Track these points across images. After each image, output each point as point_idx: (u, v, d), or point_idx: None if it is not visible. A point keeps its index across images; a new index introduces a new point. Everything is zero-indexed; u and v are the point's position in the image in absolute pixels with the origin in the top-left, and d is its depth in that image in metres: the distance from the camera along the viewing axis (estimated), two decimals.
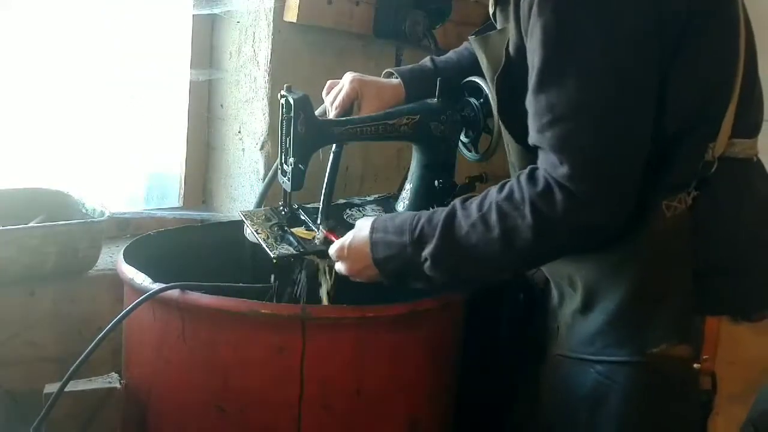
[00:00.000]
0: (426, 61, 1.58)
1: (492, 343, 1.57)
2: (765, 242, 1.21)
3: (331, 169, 1.52)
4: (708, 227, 1.15)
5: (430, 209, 1.25)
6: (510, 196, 1.13)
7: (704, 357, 1.16)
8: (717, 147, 1.15)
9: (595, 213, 1.09)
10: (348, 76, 1.49)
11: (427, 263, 1.20)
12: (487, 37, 1.30)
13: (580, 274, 1.24)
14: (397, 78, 1.53)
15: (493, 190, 1.17)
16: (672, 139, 1.14)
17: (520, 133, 1.19)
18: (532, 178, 1.12)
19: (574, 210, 1.08)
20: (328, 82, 1.53)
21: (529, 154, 1.18)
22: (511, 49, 1.21)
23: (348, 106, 1.49)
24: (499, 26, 1.29)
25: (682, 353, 1.16)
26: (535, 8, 1.09)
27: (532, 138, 1.13)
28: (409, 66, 1.60)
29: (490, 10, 1.32)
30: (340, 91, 1.48)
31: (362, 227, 1.30)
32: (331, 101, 1.49)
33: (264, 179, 1.97)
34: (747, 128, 1.20)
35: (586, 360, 1.24)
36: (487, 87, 1.41)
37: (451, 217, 1.19)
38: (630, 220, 1.13)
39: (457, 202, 1.20)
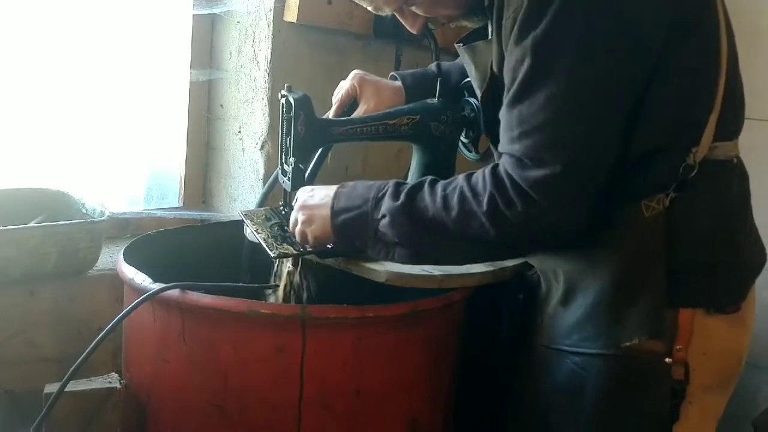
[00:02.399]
0: (432, 66, 1.61)
1: (492, 342, 1.57)
2: (737, 239, 1.23)
3: (314, 165, 1.53)
4: (684, 227, 1.17)
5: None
6: (474, 185, 1.17)
7: (678, 347, 1.19)
8: (699, 152, 1.16)
9: (548, 218, 1.12)
10: (351, 74, 1.54)
11: (384, 219, 1.23)
12: (474, 46, 1.33)
13: (562, 268, 1.28)
14: (398, 81, 1.55)
15: (462, 176, 1.21)
16: (654, 145, 1.15)
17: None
18: (495, 172, 1.15)
19: (529, 212, 1.12)
20: (340, 83, 1.58)
21: None
22: (494, 65, 1.23)
23: (347, 103, 1.54)
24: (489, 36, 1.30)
25: (654, 348, 1.19)
26: (516, 30, 1.11)
27: (502, 147, 1.16)
28: (414, 70, 1.62)
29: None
30: (341, 88, 1.53)
31: (331, 186, 1.33)
32: (334, 98, 1.53)
33: (264, 179, 1.98)
34: (729, 131, 1.21)
35: (564, 351, 1.27)
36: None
37: (418, 188, 1.22)
38: (610, 218, 1.16)
39: (426, 179, 1.24)
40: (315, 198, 1.32)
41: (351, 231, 1.28)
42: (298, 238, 1.36)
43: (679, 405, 1.22)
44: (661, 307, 1.18)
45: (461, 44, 1.36)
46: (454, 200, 1.17)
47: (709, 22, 1.17)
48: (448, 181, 1.22)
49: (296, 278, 1.43)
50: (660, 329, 1.18)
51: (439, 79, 1.51)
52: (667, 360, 1.19)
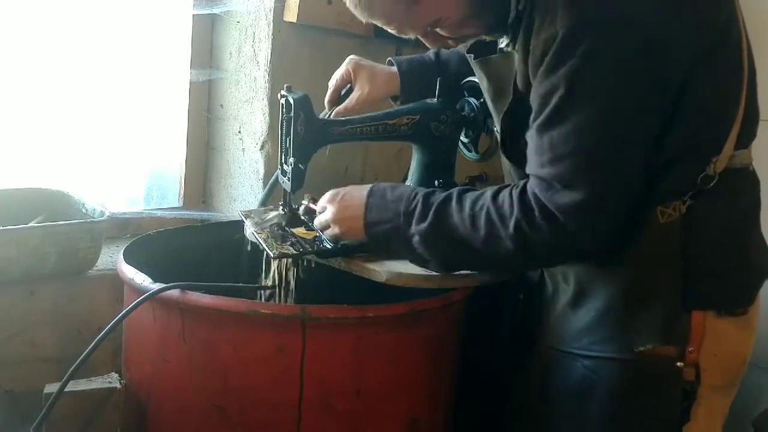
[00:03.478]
0: (430, 52, 1.61)
1: (492, 342, 1.57)
2: (749, 244, 1.25)
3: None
4: (699, 233, 1.18)
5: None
6: (501, 206, 1.19)
7: (690, 349, 1.20)
8: (720, 162, 1.17)
9: (575, 241, 1.14)
10: (347, 60, 1.57)
11: (416, 239, 1.26)
12: (488, 60, 1.33)
13: (573, 270, 1.28)
14: (395, 67, 1.56)
15: (489, 192, 1.22)
16: (674, 155, 1.16)
17: (523, 162, 1.23)
18: (523, 196, 1.16)
19: (555, 238, 1.14)
20: (337, 71, 1.60)
21: None
22: (520, 85, 1.23)
23: (341, 87, 1.57)
24: (506, 50, 1.30)
25: (666, 353, 1.20)
26: (549, 60, 1.12)
27: (531, 170, 1.18)
28: (411, 56, 1.63)
29: (504, 40, 1.32)
30: (336, 74, 1.56)
31: (360, 187, 1.36)
32: (330, 83, 1.56)
33: (264, 179, 1.98)
34: (746, 140, 1.22)
35: (574, 354, 1.27)
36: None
37: (447, 203, 1.24)
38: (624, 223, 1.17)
39: (454, 191, 1.26)
40: (348, 208, 1.34)
41: (386, 242, 1.32)
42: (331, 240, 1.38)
43: (690, 406, 1.22)
44: (675, 313, 1.18)
45: (472, 56, 1.36)
46: (482, 222, 1.19)
47: (733, 39, 1.17)
48: (475, 196, 1.23)
49: (287, 275, 1.44)
50: (673, 334, 1.19)
51: (439, 79, 1.51)
52: (678, 364, 1.19)
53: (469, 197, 1.23)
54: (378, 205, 1.31)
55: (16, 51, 1.78)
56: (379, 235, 1.31)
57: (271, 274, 1.49)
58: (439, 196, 1.26)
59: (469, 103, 1.53)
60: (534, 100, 1.17)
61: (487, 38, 1.33)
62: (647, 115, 1.13)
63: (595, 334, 1.24)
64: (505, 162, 1.38)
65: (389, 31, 1.29)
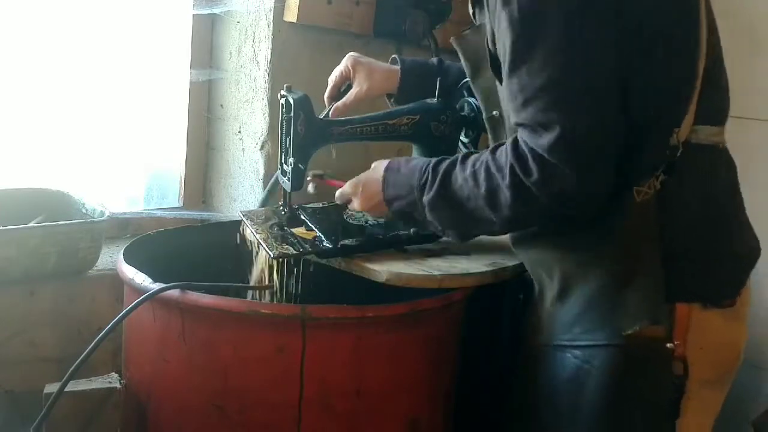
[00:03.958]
0: (433, 59, 1.63)
1: (492, 342, 1.57)
2: (729, 228, 1.25)
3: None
4: (675, 211, 1.19)
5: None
6: (498, 159, 1.19)
7: (676, 342, 1.20)
8: (681, 132, 1.18)
9: (567, 182, 1.12)
10: (346, 56, 1.58)
11: (426, 209, 1.28)
12: (465, 35, 1.36)
13: (557, 263, 1.28)
14: (397, 65, 1.57)
15: (489, 150, 1.23)
16: (637, 127, 1.17)
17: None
18: (515, 144, 1.17)
19: (547, 178, 1.13)
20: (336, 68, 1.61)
21: None
22: (489, 42, 1.25)
23: (340, 84, 1.58)
24: (477, 24, 1.33)
25: (655, 334, 1.19)
26: (499, 1, 1.14)
27: (512, 119, 1.18)
28: (415, 58, 1.64)
29: (470, 11, 1.37)
30: (335, 70, 1.58)
31: (377, 167, 1.38)
32: (329, 79, 1.58)
33: (264, 179, 1.98)
34: (711, 116, 1.23)
35: (565, 346, 1.27)
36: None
37: (451, 168, 1.26)
38: (603, 206, 1.18)
39: (459, 155, 1.27)
40: (371, 198, 1.38)
41: (406, 216, 1.34)
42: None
43: (680, 400, 1.22)
44: (660, 293, 1.19)
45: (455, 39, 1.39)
46: (482, 176, 1.20)
47: (688, 3, 1.20)
48: (477, 156, 1.24)
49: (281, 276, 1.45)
50: (660, 314, 1.19)
51: (438, 79, 1.51)
52: (668, 345, 1.19)
53: (472, 158, 1.24)
54: (393, 181, 1.34)
55: (16, 51, 1.78)
56: (401, 211, 1.34)
57: (256, 273, 1.50)
58: (446, 163, 1.27)
59: (469, 103, 1.53)
60: (500, 49, 1.18)
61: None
62: (607, 45, 1.13)
63: (584, 324, 1.25)
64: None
65: None
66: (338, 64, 1.62)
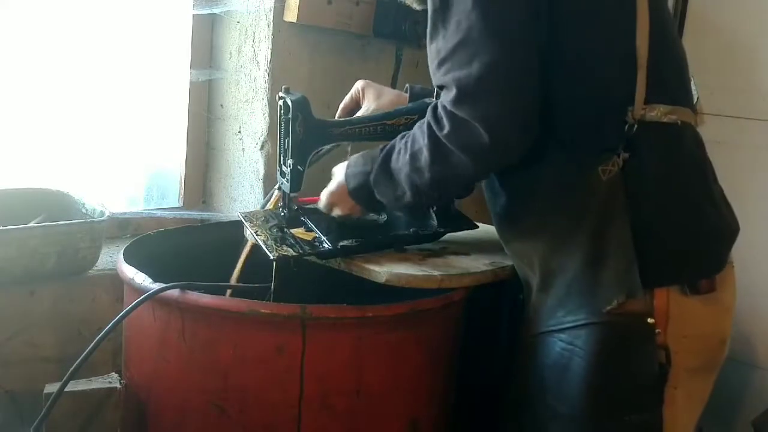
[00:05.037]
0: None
1: (492, 343, 1.57)
2: (697, 203, 1.26)
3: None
4: (639, 188, 1.21)
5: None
6: (420, 124, 1.27)
7: (657, 331, 1.21)
8: (636, 111, 1.21)
9: (475, 133, 1.17)
10: (358, 81, 1.61)
11: (374, 189, 1.35)
12: None
13: (536, 254, 1.30)
14: (407, 92, 1.60)
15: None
16: (590, 105, 1.22)
17: None
18: (434, 107, 1.24)
19: (456, 129, 1.19)
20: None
21: None
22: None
23: (350, 107, 1.59)
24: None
25: (634, 308, 1.21)
26: None
27: (433, 81, 1.24)
28: (425, 87, 1.64)
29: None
30: (347, 94, 1.60)
31: (338, 169, 1.44)
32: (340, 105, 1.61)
33: (264, 179, 1.98)
34: (665, 95, 1.24)
35: (551, 332, 1.28)
36: None
37: (392, 145, 1.33)
38: (572, 189, 1.23)
39: (406, 132, 1.33)
40: (336, 194, 1.44)
41: (364, 193, 1.38)
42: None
43: (663, 388, 1.22)
44: (633, 268, 1.20)
45: None
46: (409, 142, 1.28)
47: None
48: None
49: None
50: (634, 288, 1.20)
51: None
52: (649, 320, 1.20)
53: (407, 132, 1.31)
54: (352, 174, 1.39)
55: (16, 51, 1.78)
56: (364, 200, 1.39)
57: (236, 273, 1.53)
58: (391, 141, 1.34)
59: None
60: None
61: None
62: (513, 6, 1.17)
63: (566, 306, 1.26)
64: None
65: None
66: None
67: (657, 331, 1.21)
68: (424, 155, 1.24)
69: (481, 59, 1.15)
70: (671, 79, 1.28)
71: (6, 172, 1.83)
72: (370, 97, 1.57)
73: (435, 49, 1.21)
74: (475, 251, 1.50)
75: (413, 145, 1.26)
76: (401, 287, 1.35)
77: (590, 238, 1.22)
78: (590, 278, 1.23)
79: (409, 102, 1.57)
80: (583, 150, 1.22)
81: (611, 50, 1.23)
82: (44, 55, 1.81)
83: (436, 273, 1.36)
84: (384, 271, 1.35)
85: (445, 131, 1.19)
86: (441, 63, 1.19)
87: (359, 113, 1.55)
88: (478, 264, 1.44)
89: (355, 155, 1.41)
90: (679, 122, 1.25)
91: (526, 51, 1.17)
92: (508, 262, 1.44)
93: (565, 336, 1.26)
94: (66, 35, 1.83)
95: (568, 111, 1.23)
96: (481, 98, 1.16)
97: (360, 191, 1.38)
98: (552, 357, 1.27)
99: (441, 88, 1.21)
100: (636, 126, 1.20)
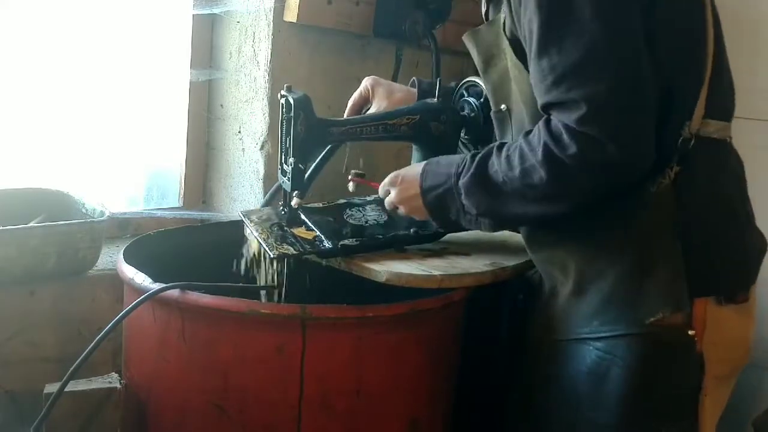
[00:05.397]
0: (452, 83, 1.62)
1: (492, 342, 1.57)
2: (739, 222, 1.27)
3: (317, 165, 1.56)
4: (689, 202, 1.20)
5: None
6: (531, 140, 1.19)
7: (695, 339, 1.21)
8: (693, 125, 1.20)
9: (607, 151, 1.12)
10: (366, 78, 1.59)
11: (462, 194, 1.28)
12: (477, 30, 1.36)
13: (572, 258, 1.28)
14: (415, 87, 1.58)
15: (522, 135, 1.23)
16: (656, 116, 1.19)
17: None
18: (548, 122, 1.17)
19: (586, 151, 1.13)
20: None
21: None
22: (508, 31, 1.27)
23: (359, 103, 1.58)
24: (492, 17, 1.35)
25: (677, 321, 1.20)
26: None
27: (541, 101, 1.18)
28: (432, 81, 1.63)
29: (482, 10, 1.39)
30: (356, 92, 1.58)
31: (419, 163, 1.39)
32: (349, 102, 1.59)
33: (264, 179, 1.98)
34: (719, 111, 1.24)
35: (584, 339, 1.27)
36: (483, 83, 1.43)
37: (488, 154, 1.27)
38: (620, 198, 1.19)
39: (495, 144, 1.27)
40: (408, 189, 1.38)
41: (442, 207, 1.33)
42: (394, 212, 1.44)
43: (699, 396, 1.23)
44: (681, 280, 1.19)
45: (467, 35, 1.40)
46: (516, 158, 1.20)
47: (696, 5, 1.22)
48: (512, 142, 1.25)
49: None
50: (681, 302, 1.19)
51: (438, 79, 1.51)
52: (690, 332, 1.20)
53: (507, 144, 1.25)
54: (432, 172, 1.34)
55: (16, 51, 1.78)
56: (435, 202, 1.33)
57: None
58: (483, 150, 1.28)
59: (469, 103, 1.53)
60: (526, 34, 1.19)
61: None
62: (630, 15, 1.14)
63: (604, 315, 1.24)
64: (523, 111, 1.36)
65: None
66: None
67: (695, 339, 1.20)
68: (540, 174, 1.17)
69: (610, 74, 1.11)
70: (724, 95, 1.27)
71: (6, 172, 1.83)
72: (380, 96, 1.56)
73: (548, 65, 1.15)
74: (475, 251, 1.50)
75: (522, 160, 1.19)
76: (401, 287, 1.35)
77: (637, 247, 1.21)
78: (633, 288, 1.22)
79: (418, 98, 1.57)
80: None
81: (681, 65, 1.20)
82: (44, 55, 1.81)
83: (436, 273, 1.36)
84: (384, 270, 1.35)
85: (571, 151, 1.13)
86: (559, 80, 1.14)
87: (371, 111, 1.55)
88: (478, 264, 1.44)
89: (436, 158, 1.37)
90: (728, 139, 1.26)
91: (646, 62, 1.15)
92: (509, 263, 1.44)
93: (602, 345, 1.25)
94: (66, 35, 1.83)
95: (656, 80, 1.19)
96: (613, 115, 1.12)
97: (435, 191, 1.33)
98: (586, 365, 1.27)
99: (552, 106, 1.16)
100: (693, 141, 1.19)
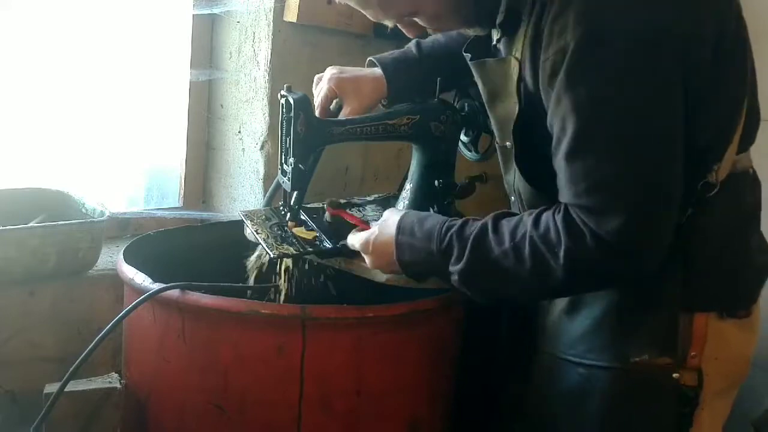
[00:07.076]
0: (411, 45, 1.54)
1: (492, 343, 1.57)
2: (751, 246, 1.23)
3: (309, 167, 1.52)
4: (701, 241, 1.16)
5: (457, 217, 1.24)
6: (546, 235, 1.11)
7: (692, 354, 1.18)
8: (721, 169, 1.15)
9: (634, 260, 1.09)
10: (327, 74, 1.48)
11: (455, 278, 1.19)
12: (484, 63, 1.29)
13: None
14: (378, 68, 1.51)
15: (528, 220, 1.14)
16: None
17: (534, 177, 1.21)
18: (570, 223, 1.09)
19: (609, 263, 1.09)
20: (316, 77, 1.53)
21: (540, 192, 1.21)
22: (523, 99, 1.20)
23: (328, 106, 1.49)
24: (503, 54, 1.26)
25: (663, 363, 1.18)
26: (563, 76, 1.07)
27: (568, 199, 1.11)
28: (392, 53, 1.55)
29: (494, 37, 1.28)
30: (320, 91, 1.48)
31: (388, 224, 1.29)
32: (315, 99, 1.49)
33: (264, 179, 1.98)
34: (747, 143, 1.21)
35: (570, 361, 1.26)
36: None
37: (482, 236, 1.17)
38: None
39: (489, 221, 1.18)
40: (383, 256, 1.29)
41: (427, 277, 1.30)
42: None
43: (693, 413, 1.20)
44: (675, 321, 1.17)
45: (468, 56, 1.33)
46: (526, 253, 1.12)
47: (743, 46, 1.16)
48: (513, 224, 1.15)
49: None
50: (672, 345, 1.17)
51: (439, 79, 1.50)
52: (674, 375, 1.18)
53: (506, 226, 1.16)
54: (408, 244, 1.24)
55: (17, 51, 1.78)
56: (419, 274, 1.29)
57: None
58: (473, 229, 1.18)
59: (470, 103, 1.53)
60: (553, 123, 1.11)
61: (470, 32, 1.30)
62: (675, 124, 1.08)
63: (590, 342, 1.23)
64: (510, 178, 1.33)
65: (367, 15, 1.28)
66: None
67: (692, 354, 1.17)
68: (556, 276, 1.10)
69: (649, 187, 1.06)
70: (752, 125, 1.21)
71: (6, 172, 1.83)
72: (349, 94, 1.46)
73: (582, 169, 1.07)
74: None
75: (535, 257, 1.11)
76: (401, 287, 1.35)
77: (637, 286, 1.17)
78: (624, 322, 1.19)
79: (388, 86, 1.50)
80: None
81: (724, 121, 1.14)
82: (44, 55, 1.81)
83: None
84: None
85: (596, 259, 1.07)
86: (594, 188, 1.06)
87: (343, 113, 1.48)
88: None
89: (412, 218, 1.26)
90: (750, 170, 1.23)
91: (681, 159, 1.08)
92: None
93: (584, 371, 1.23)
94: (66, 35, 1.83)
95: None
96: (647, 228, 1.07)
97: (416, 267, 1.26)
98: (569, 386, 1.26)
99: (581, 208, 1.08)
100: (717, 188, 1.14)
